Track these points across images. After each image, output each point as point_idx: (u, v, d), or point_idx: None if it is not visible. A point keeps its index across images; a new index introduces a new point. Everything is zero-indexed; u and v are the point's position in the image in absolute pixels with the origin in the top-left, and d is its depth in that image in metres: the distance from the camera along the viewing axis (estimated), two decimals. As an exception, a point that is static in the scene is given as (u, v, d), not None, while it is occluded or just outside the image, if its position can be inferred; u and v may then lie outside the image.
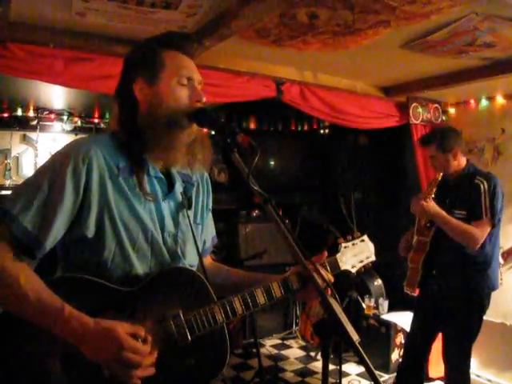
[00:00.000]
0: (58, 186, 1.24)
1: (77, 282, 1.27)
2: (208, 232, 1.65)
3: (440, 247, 2.90)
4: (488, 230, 2.75)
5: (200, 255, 1.49)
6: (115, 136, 1.39)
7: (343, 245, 1.69)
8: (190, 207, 1.49)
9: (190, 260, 1.47)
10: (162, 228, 1.39)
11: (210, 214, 1.66)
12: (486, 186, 2.77)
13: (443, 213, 2.81)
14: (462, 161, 2.97)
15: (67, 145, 1.36)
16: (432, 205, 2.83)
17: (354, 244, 1.71)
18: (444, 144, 2.92)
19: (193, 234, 1.46)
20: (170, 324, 1.27)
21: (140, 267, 1.33)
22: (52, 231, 1.24)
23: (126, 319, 1.22)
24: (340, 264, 1.64)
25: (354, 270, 1.68)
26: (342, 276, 1.65)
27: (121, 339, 1.14)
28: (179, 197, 1.46)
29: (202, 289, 1.37)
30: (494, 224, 2.76)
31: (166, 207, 1.42)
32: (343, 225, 4.71)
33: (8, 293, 1.18)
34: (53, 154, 1.36)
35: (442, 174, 2.88)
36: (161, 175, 1.42)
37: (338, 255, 1.65)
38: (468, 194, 2.84)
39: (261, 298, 1.41)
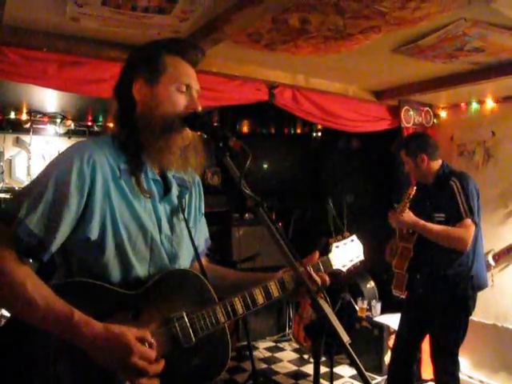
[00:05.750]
0: (63, 189, 1.24)
1: (81, 287, 1.26)
2: (201, 236, 1.66)
3: (422, 252, 2.91)
4: (473, 228, 2.73)
5: (199, 258, 1.50)
6: (116, 137, 1.40)
7: (334, 244, 1.72)
8: (184, 211, 1.50)
9: (184, 263, 1.48)
10: (160, 229, 1.41)
11: (204, 218, 1.67)
12: (459, 186, 2.77)
13: (421, 222, 2.79)
14: (434, 165, 2.97)
15: (70, 147, 1.35)
16: (408, 216, 2.81)
17: (344, 244, 1.74)
18: (410, 150, 2.99)
19: (190, 237, 1.48)
20: (174, 326, 1.29)
21: (140, 269, 1.34)
22: (58, 233, 1.23)
23: (131, 322, 1.23)
24: (332, 263, 1.67)
25: (344, 269, 1.72)
26: (335, 277, 1.67)
27: (131, 345, 1.14)
28: (175, 200, 1.47)
29: (204, 290, 1.40)
30: (476, 222, 2.74)
31: (162, 209, 1.43)
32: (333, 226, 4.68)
33: (16, 298, 1.16)
34: (56, 156, 1.35)
35: (415, 187, 2.87)
36: (158, 177, 1.43)
37: (330, 255, 1.68)
38: (444, 197, 2.84)
39: (260, 298, 1.43)
